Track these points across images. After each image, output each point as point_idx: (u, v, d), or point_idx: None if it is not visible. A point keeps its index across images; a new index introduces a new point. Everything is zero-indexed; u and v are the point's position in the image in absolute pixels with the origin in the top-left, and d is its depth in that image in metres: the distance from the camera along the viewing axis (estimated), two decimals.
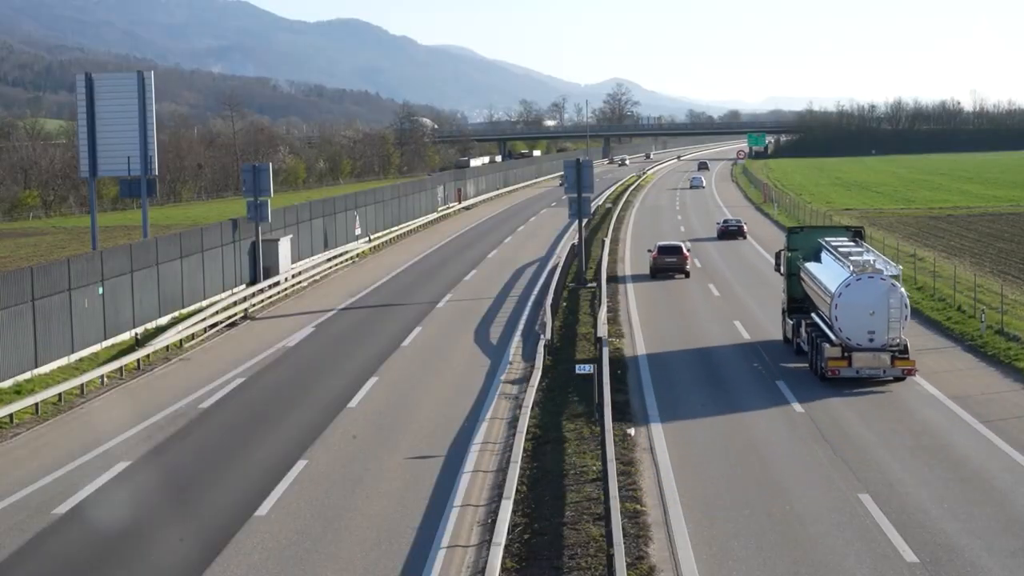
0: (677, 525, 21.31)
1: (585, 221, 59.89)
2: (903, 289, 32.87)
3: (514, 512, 21.74)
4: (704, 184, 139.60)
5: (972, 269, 54.57)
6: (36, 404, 31.77)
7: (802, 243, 39.50)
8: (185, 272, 48.01)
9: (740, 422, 29.20)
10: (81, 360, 38.54)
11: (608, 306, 45.07)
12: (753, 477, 24.22)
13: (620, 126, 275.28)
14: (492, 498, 23.21)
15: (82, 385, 34.30)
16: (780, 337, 39.45)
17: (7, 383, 34.08)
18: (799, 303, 37.85)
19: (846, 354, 32.31)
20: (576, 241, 59.48)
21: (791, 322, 37.85)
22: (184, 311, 47.24)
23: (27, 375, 35.34)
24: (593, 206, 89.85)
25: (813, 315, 36.04)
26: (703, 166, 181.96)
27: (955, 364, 35.12)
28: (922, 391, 31.57)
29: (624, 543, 18.98)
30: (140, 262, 43.92)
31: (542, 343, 36.80)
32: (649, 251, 59.97)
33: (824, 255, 37.23)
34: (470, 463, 25.84)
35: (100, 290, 40.55)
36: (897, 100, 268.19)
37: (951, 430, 27.63)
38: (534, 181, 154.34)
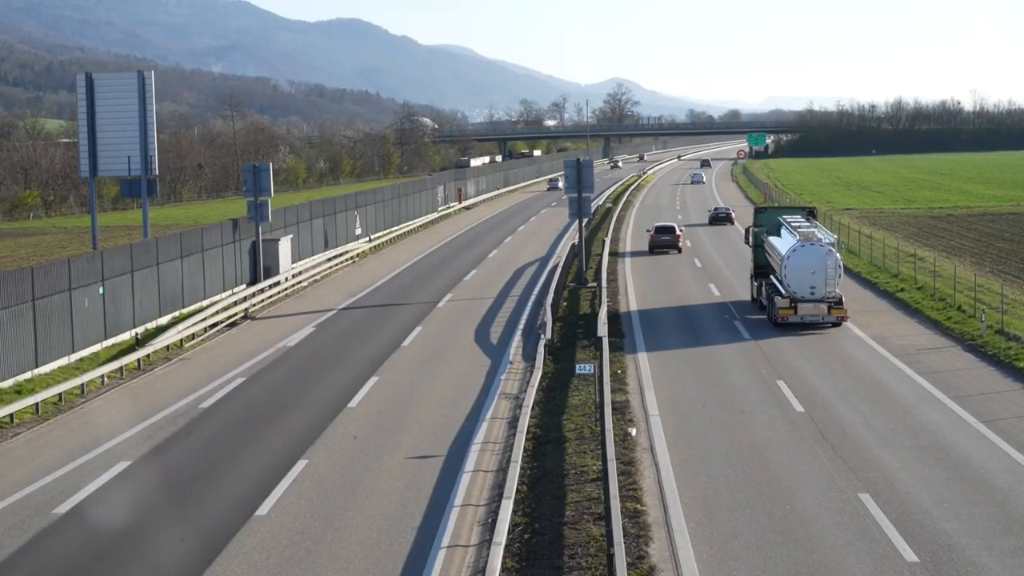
0: (677, 524, 21.31)
1: (585, 221, 59.98)
2: (838, 254, 41.60)
3: (514, 512, 21.75)
4: (704, 180, 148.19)
5: (972, 269, 54.57)
6: (36, 404, 31.78)
7: (766, 220, 47.78)
8: (185, 272, 48.01)
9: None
10: (81, 360, 38.56)
11: (608, 306, 45.06)
12: (749, 464, 24.22)
13: (620, 126, 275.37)
14: (492, 498, 23.21)
15: (82, 385, 34.30)
16: (748, 297, 47.98)
17: (7, 383, 34.09)
18: (762, 269, 46.19)
19: (792, 304, 40.87)
20: (576, 241, 59.55)
21: (755, 284, 46.52)
22: (184, 311, 47.26)
23: (27, 375, 35.35)
24: (593, 206, 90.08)
25: (771, 276, 44.32)
26: (705, 163, 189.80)
27: (955, 364, 35.10)
28: (923, 391, 31.57)
29: (624, 543, 18.99)
30: (140, 262, 43.93)
31: (542, 343, 36.81)
32: (648, 231, 70.37)
33: (783, 230, 44.92)
34: (470, 463, 25.84)
35: (100, 290, 40.56)
36: (897, 100, 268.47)
37: (951, 430, 27.62)
38: (535, 181, 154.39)
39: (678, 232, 67.83)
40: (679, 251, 66.54)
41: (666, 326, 42.89)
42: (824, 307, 40.62)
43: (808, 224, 44.70)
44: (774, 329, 40.91)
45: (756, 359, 36.15)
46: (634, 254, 65.55)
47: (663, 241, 66.79)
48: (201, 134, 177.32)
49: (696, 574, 19.12)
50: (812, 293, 40.70)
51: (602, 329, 37.12)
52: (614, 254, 60.66)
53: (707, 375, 34.21)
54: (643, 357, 36.69)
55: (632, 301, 49.13)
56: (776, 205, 65.44)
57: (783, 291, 41.38)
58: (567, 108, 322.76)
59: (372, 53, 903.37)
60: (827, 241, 41.71)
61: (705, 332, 41.51)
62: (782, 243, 43.10)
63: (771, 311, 41.83)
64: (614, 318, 43.45)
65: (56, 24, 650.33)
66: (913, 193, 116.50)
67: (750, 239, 48.58)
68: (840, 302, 40.96)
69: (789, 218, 46.11)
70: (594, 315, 42.39)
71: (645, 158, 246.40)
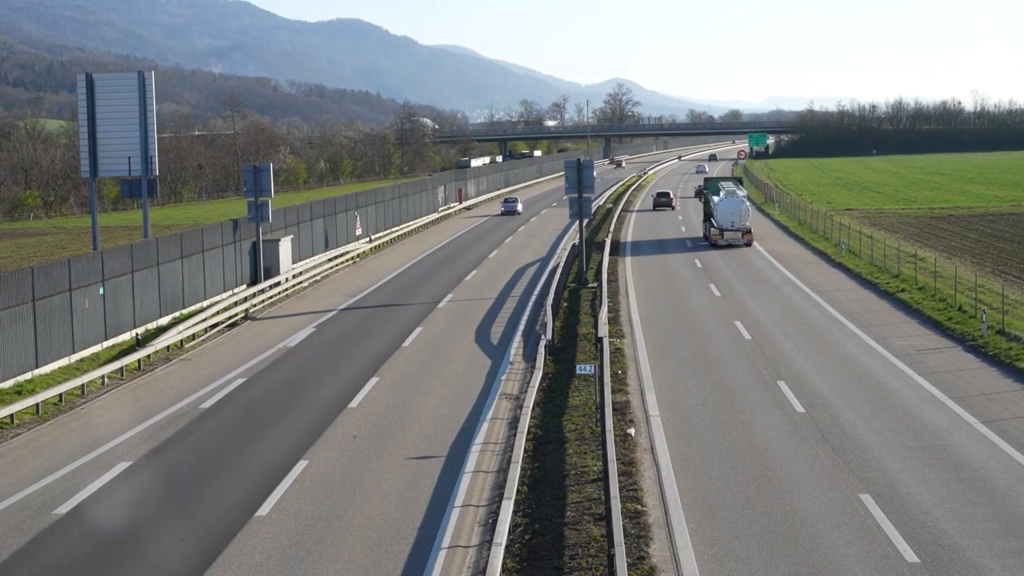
0: (678, 525, 21.30)
1: (586, 221, 59.98)
2: (748, 201, 72.43)
3: (515, 512, 21.75)
4: (707, 170, 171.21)
5: (973, 269, 54.55)
6: (37, 404, 31.78)
7: (711, 186, 74.61)
8: (186, 272, 48.01)
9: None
10: (82, 360, 38.55)
11: (609, 297, 45.04)
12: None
13: (621, 126, 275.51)
14: (493, 498, 23.21)
15: (83, 385, 34.31)
16: (701, 234, 75.80)
17: (8, 383, 34.10)
18: (708, 216, 73.13)
19: (721, 232, 68.98)
20: (576, 241, 59.54)
21: (704, 224, 73.88)
22: (185, 311, 47.27)
23: (28, 375, 35.36)
24: (593, 207, 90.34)
25: (711, 218, 71.48)
26: (712, 157, 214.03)
27: (956, 364, 35.07)
28: (924, 391, 31.56)
29: (625, 543, 18.98)
30: (141, 262, 43.93)
31: (543, 343, 36.79)
32: (652, 195, 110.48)
33: (720, 191, 72.03)
34: (471, 463, 25.83)
35: (101, 290, 40.56)
36: (898, 100, 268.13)
37: (952, 430, 27.59)
38: (535, 181, 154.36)
39: (672, 196, 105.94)
40: (672, 208, 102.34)
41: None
42: (739, 234, 68.88)
43: (733, 186, 73.37)
44: (708, 247, 68.81)
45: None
46: (635, 254, 67.40)
47: (662, 201, 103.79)
48: (201, 133, 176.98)
49: (696, 575, 19.12)
50: (732, 225, 68.88)
51: (603, 330, 37.09)
52: (615, 254, 65.05)
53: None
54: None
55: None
56: (717, 177, 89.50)
57: (715, 224, 69.43)
58: (568, 108, 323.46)
59: (372, 53, 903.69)
60: (742, 195, 70.82)
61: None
62: (716, 197, 71.20)
63: (708, 237, 70.81)
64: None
65: (56, 24, 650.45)
66: (914, 193, 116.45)
67: (701, 197, 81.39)
68: (750, 231, 69.51)
69: (724, 183, 74.35)
70: (595, 316, 42.38)
71: (624, 165, 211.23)
